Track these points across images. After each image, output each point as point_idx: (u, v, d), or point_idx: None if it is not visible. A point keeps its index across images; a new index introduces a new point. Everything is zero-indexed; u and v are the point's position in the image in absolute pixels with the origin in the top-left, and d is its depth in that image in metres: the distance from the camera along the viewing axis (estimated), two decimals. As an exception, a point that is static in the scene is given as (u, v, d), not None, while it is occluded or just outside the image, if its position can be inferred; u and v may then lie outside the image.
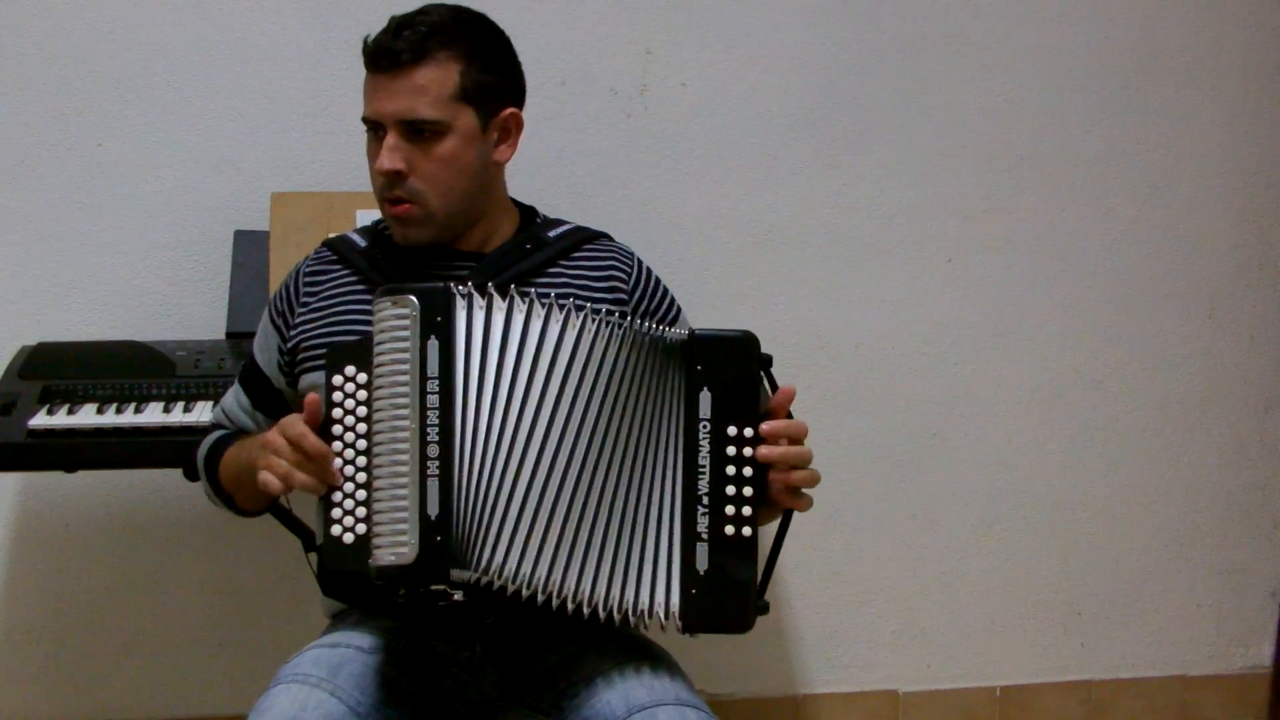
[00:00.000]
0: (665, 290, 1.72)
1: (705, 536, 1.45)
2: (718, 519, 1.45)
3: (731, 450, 1.45)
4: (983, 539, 2.62)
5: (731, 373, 1.46)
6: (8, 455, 1.88)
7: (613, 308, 1.61)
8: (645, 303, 1.67)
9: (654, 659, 1.55)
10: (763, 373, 1.48)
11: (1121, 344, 2.60)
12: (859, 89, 2.44)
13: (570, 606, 1.42)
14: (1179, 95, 2.54)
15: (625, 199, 2.40)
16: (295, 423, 1.42)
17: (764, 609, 1.48)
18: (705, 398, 1.46)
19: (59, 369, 2.02)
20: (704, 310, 2.13)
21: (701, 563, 1.44)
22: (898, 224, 2.49)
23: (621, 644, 1.56)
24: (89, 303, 2.28)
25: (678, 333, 1.48)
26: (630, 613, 1.44)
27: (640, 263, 1.71)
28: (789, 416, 1.48)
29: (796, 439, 1.47)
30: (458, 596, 1.43)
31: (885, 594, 2.60)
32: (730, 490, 1.45)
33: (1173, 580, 2.70)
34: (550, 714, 1.53)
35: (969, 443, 2.58)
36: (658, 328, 1.49)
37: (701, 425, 1.46)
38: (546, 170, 2.33)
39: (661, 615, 1.44)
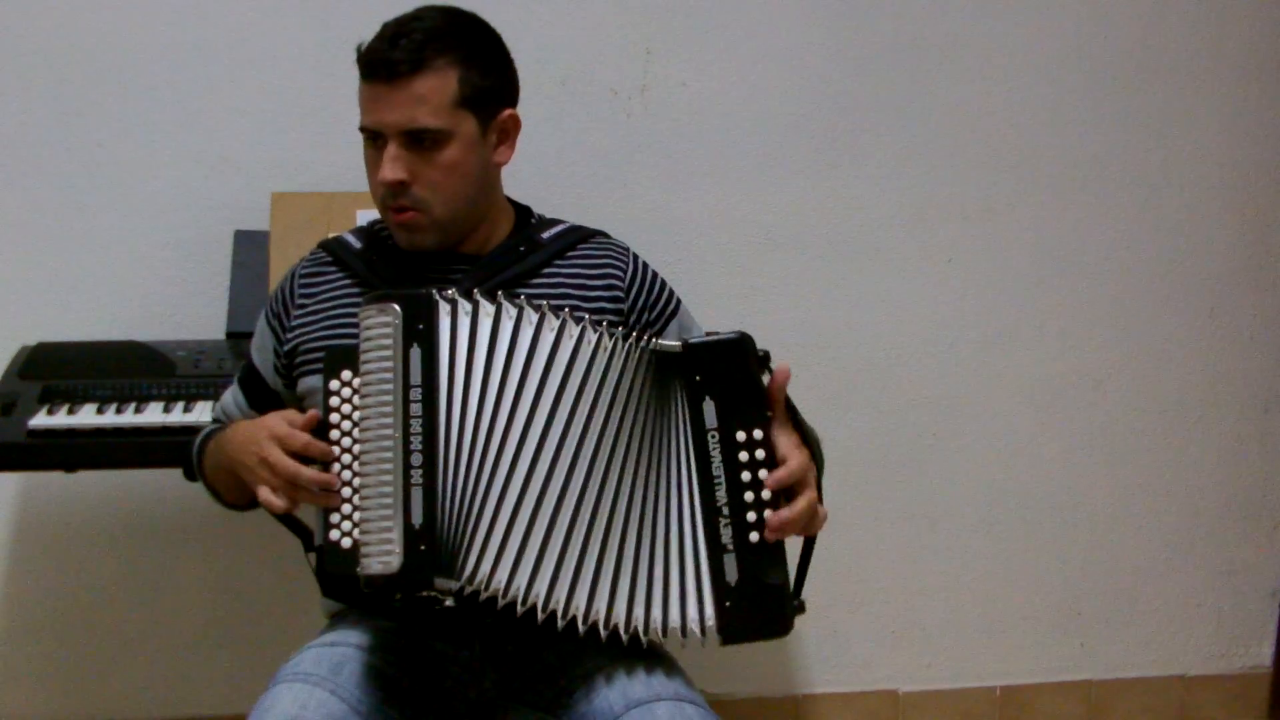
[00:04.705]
0: (663, 284, 1.71)
1: (731, 547, 1.43)
2: (741, 527, 1.43)
3: (744, 456, 1.44)
4: (983, 539, 2.62)
5: (731, 378, 1.44)
6: (8, 455, 1.88)
7: (609, 313, 1.60)
8: (644, 298, 1.66)
9: (652, 656, 1.54)
10: (763, 369, 1.47)
11: (1121, 344, 2.60)
12: (859, 89, 2.44)
13: (582, 626, 1.41)
14: (1179, 95, 2.54)
15: (625, 199, 2.40)
16: (300, 438, 1.43)
17: (801, 608, 1.46)
18: (709, 407, 1.44)
19: (59, 369, 2.02)
20: (704, 310, 2.11)
21: (731, 573, 1.43)
22: (898, 224, 2.49)
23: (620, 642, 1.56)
24: (89, 303, 2.27)
25: (671, 344, 1.47)
26: (661, 632, 1.43)
27: (636, 258, 1.70)
28: (789, 400, 1.48)
29: (789, 483, 1.44)
30: (449, 603, 1.43)
31: (885, 594, 2.60)
32: (749, 497, 1.44)
33: (1173, 580, 2.70)
34: (550, 711, 1.53)
35: (969, 443, 2.58)
36: (648, 338, 1.47)
37: (710, 435, 1.44)
38: (546, 170, 2.33)
39: (697, 631, 1.43)
